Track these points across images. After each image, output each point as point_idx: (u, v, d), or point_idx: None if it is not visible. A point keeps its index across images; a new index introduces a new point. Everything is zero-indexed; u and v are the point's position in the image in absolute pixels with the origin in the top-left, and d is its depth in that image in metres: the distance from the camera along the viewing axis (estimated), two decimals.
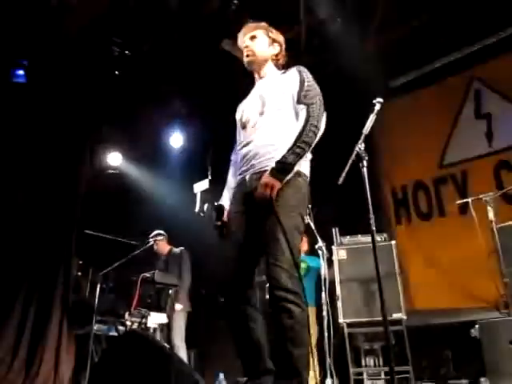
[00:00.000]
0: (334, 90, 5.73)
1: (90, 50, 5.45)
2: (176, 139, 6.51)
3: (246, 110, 2.33)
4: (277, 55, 2.40)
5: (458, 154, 5.33)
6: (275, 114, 2.18)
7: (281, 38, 2.44)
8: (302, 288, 1.89)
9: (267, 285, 1.92)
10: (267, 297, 1.99)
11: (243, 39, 2.39)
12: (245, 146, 2.21)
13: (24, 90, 5.45)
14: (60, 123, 5.80)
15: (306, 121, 2.07)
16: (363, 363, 4.52)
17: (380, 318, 4.24)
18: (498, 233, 3.70)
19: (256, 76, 2.44)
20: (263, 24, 2.43)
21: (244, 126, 2.28)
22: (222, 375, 2.57)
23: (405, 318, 4.26)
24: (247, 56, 2.36)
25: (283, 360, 1.82)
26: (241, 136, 2.31)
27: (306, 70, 2.28)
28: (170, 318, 4.96)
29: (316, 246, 4.30)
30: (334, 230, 4.72)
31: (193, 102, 6.26)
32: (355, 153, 2.24)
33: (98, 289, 4.69)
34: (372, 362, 4.50)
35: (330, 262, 4.53)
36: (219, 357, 5.57)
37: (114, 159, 6.52)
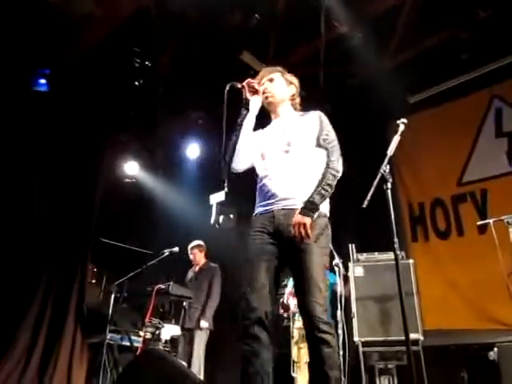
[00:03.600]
0: (353, 105, 5.78)
1: (111, 59, 5.52)
2: (193, 150, 6.54)
3: (267, 144, 2.47)
4: (293, 95, 2.59)
5: (478, 172, 5.27)
6: (300, 154, 2.36)
7: (295, 80, 2.62)
8: None
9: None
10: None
11: (261, 82, 2.54)
12: (269, 179, 2.37)
13: (45, 99, 5.52)
14: (78, 132, 5.86)
15: (328, 164, 2.28)
16: (377, 383, 4.45)
17: (395, 338, 4.19)
18: None
19: (273, 115, 2.60)
20: (279, 68, 2.62)
21: (263, 157, 2.45)
22: None
23: (422, 338, 4.19)
24: (267, 98, 2.52)
25: (322, 381, 2.04)
26: (261, 165, 2.46)
27: (324, 115, 2.47)
28: (192, 332, 4.96)
29: (333, 263, 4.26)
30: (350, 246, 4.68)
31: (210, 114, 6.29)
32: (380, 175, 2.22)
33: (112, 298, 4.71)
34: (387, 382, 4.43)
35: (346, 279, 4.48)
36: (230, 372, 5.55)
37: (131, 168, 6.56)
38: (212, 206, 5.84)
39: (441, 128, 5.56)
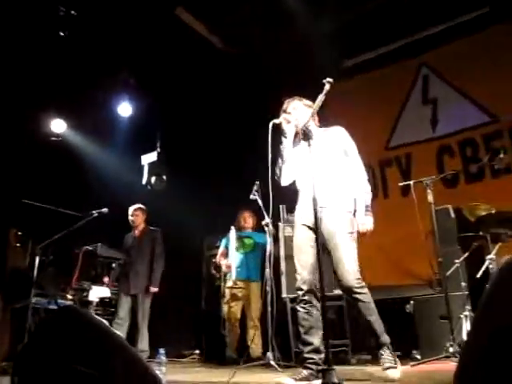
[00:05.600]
0: (287, 67, 5.77)
1: (34, 7, 5.09)
2: (125, 108, 6.28)
3: (303, 160, 2.91)
4: (313, 116, 2.97)
5: (404, 137, 5.50)
6: (338, 164, 2.95)
7: (311, 103, 3.02)
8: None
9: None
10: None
11: (287, 111, 3.06)
12: (309, 189, 2.80)
13: None
14: None
15: (363, 174, 2.98)
16: None
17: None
18: (435, 215, 3.86)
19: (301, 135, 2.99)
20: (297, 97, 3.13)
21: (302, 172, 3.00)
22: (162, 350, 2.56)
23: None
24: (295, 125, 2.99)
25: (367, 324, 2.76)
26: (300, 179, 3.05)
27: (344, 130, 3.06)
28: (137, 298, 4.97)
29: (263, 223, 4.32)
30: (281, 207, 4.75)
31: (143, 73, 6.04)
32: (301, 131, 2.24)
33: (36, 261, 4.52)
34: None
35: (276, 239, 4.57)
36: (163, 333, 5.58)
37: (58, 126, 6.20)
38: (143, 166, 5.70)
39: (372, 93, 5.71)
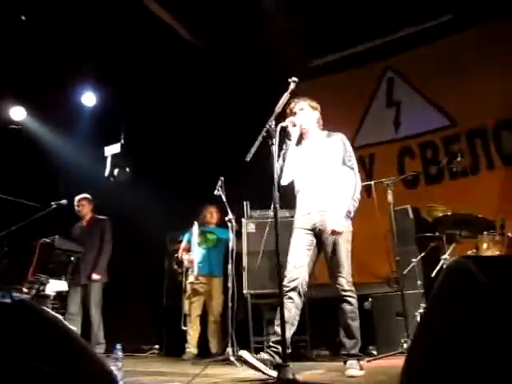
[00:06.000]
0: (253, 65, 5.77)
1: None
2: (88, 98, 6.12)
3: (302, 163, 3.15)
4: (318, 119, 3.27)
5: (368, 137, 5.61)
6: (332, 170, 3.09)
7: (318, 106, 3.31)
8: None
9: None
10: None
11: (293, 111, 3.17)
12: (306, 192, 3.15)
13: None
14: None
15: (355, 182, 3.06)
16: (265, 332, 4.68)
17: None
18: (395, 215, 3.97)
19: (305, 136, 3.25)
20: (304, 98, 3.29)
21: (300, 174, 3.17)
22: (118, 346, 2.52)
23: (306, 289, 4.44)
24: (301, 125, 3.13)
25: (346, 329, 2.97)
26: (299, 181, 3.21)
27: (345, 137, 3.19)
28: (88, 288, 4.87)
29: (226, 219, 4.32)
30: (245, 203, 4.76)
31: (108, 62, 5.89)
32: (265, 129, 2.25)
33: None
34: (272, 330, 4.68)
35: (239, 235, 4.58)
36: (123, 327, 5.50)
37: (17, 114, 5.98)
38: (107, 158, 5.58)
39: (338, 94, 5.77)
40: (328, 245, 3.02)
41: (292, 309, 2.97)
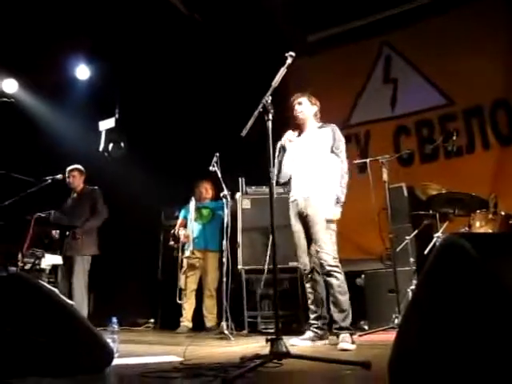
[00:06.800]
0: (249, 39, 5.68)
1: None
2: (83, 71, 6.01)
3: (297, 153, 3.40)
4: (315, 113, 3.49)
5: (364, 115, 5.58)
6: (319, 159, 3.32)
7: (317, 102, 3.51)
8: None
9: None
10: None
11: (294, 103, 3.46)
12: (301, 175, 3.37)
13: None
14: None
15: (342, 169, 3.29)
16: (258, 307, 4.75)
17: (278, 266, 4.46)
18: (389, 193, 3.98)
19: (302, 128, 3.49)
20: (305, 93, 3.51)
21: (295, 162, 3.40)
22: (114, 319, 2.55)
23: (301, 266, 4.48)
24: (298, 117, 3.46)
25: (335, 303, 3.12)
26: (293, 168, 3.42)
27: (337, 128, 3.42)
28: (72, 259, 4.69)
29: (221, 194, 4.32)
30: (240, 179, 4.76)
31: (103, 35, 5.77)
32: (261, 105, 2.24)
33: None
34: (266, 307, 4.76)
35: (234, 211, 4.58)
36: (119, 301, 5.56)
37: (9, 86, 5.87)
38: (101, 132, 5.52)
39: (335, 70, 5.72)
40: (312, 226, 3.24)
41: (317, 287, 3.31)
